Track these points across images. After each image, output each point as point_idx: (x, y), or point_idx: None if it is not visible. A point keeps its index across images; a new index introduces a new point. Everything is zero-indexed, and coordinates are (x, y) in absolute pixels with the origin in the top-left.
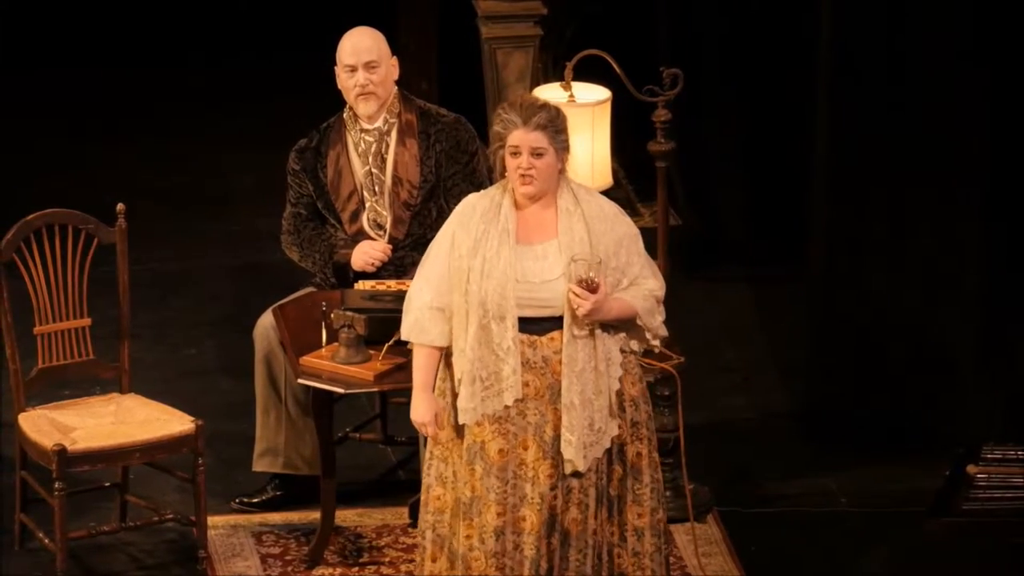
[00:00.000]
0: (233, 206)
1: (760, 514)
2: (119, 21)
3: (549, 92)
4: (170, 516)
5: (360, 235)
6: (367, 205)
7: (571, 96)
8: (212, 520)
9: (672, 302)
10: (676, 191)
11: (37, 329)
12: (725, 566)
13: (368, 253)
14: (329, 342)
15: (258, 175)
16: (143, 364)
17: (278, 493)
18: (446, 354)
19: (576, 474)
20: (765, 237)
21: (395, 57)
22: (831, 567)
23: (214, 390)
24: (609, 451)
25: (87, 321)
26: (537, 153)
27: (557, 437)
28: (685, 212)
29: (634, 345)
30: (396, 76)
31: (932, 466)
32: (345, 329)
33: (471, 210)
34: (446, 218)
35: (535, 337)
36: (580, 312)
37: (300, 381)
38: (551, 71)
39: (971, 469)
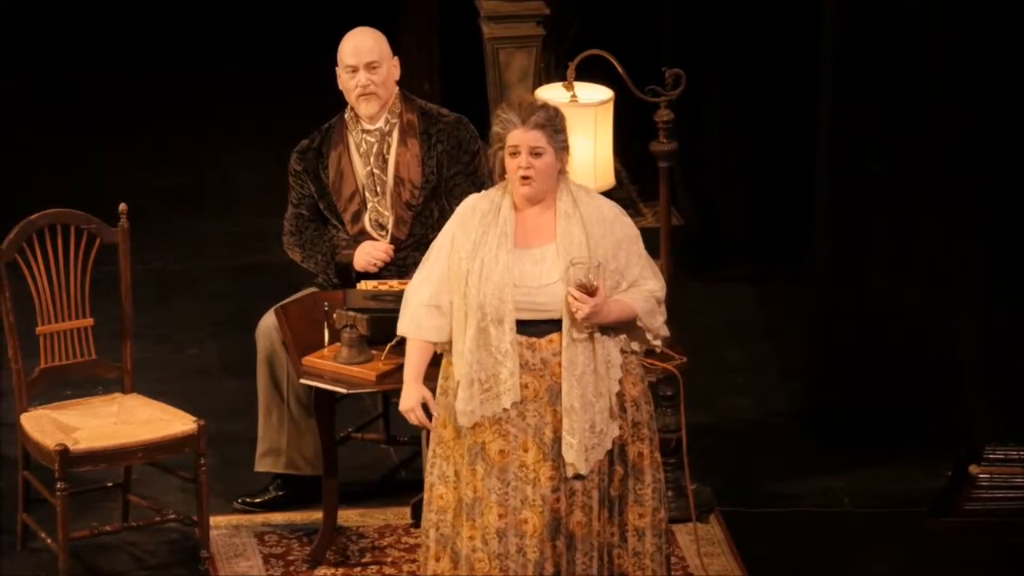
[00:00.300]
0: (235, 206)
1: (762, 514)
2: (119, 21)
3: (551, 92)
4: (172, 516)
5: (362, 235)
6: (369, 206)
7: (573, 96)
8: (214, 520)
9: (674, 302)
10: (678, 191)
11: (39, 329)
12: (727, 566)
13: (370, 253)
14: (331, 342)
15: (259, 175)
16: (145, 364)
17: (280, 493)
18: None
19: (578, 477)
20: (767, 237)
21: (396, 57)
22: (833, 567)
23: (216, 390)
24: (610, 452)
25: (89, 321)
26: (536, 152)
27: (557, 439)
28: (687, 212)
29: (635, 346)
30: (397, 76)
31: (934, 466)
32: (347, 329)
33: (471, 212)
34: (448, 218)
35: (534, 339)
36: (579, 316)
37: (302, 381)
38: (553, 71)
39: (973, 469)
